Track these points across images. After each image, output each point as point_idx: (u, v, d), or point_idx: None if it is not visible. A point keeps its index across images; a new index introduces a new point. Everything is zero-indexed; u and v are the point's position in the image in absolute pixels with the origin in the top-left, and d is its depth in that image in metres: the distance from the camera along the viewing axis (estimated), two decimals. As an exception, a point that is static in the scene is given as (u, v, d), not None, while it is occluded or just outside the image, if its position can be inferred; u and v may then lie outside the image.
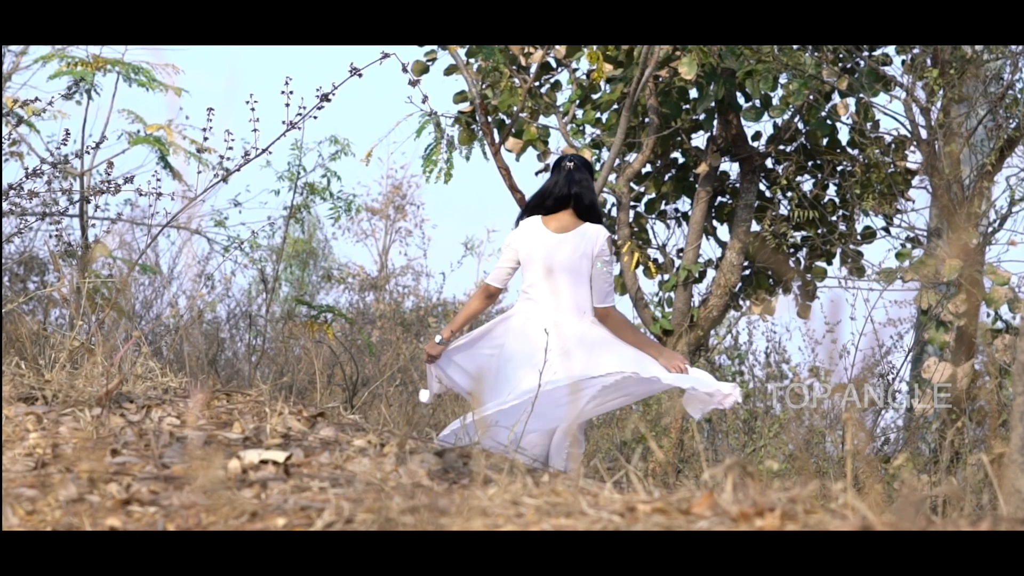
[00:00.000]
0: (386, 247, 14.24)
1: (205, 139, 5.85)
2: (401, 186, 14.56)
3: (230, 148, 5.51)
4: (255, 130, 5.37)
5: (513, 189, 9.73)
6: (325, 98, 5.29)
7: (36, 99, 6.72)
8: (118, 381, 4.13)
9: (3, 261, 9.67)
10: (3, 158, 9.09)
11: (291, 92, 5.18)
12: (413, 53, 10.18)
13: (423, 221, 14.45)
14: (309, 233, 13.95)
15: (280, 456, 3.76)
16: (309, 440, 4.11)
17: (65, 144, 6.02)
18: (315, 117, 5.35)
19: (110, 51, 9.57)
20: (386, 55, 5.19)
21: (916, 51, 9.83)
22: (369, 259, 14.24)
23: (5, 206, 8.19)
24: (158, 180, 5.81)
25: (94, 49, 9.62)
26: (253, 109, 5.36)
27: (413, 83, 5.60)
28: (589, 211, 6.75)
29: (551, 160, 10.15)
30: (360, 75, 5.18)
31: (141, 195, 6.18)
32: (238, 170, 5.53)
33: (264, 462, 3.74)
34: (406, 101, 9.75)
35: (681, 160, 10.61)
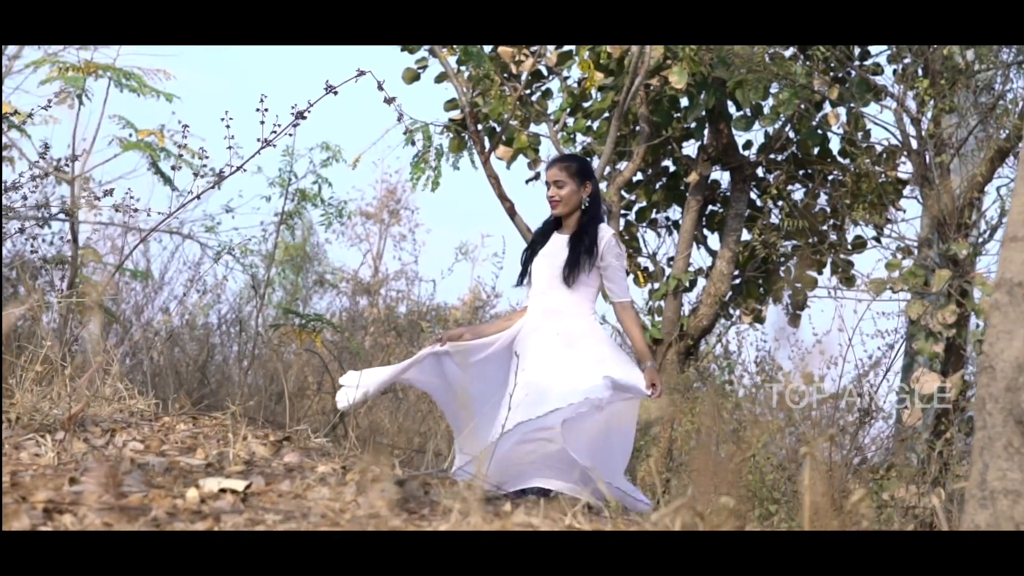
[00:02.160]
0: (380, 252, 14.24)
1: (179, 156, 5.81)
2: (395, 190, 14.56)
3: (204, 166, 5.49)
4: (230, 147, 5.36)
5: (502, 198, 9.70)
6: (300, 116, 5.28)
7: (15, 112, 6.69)
8: (81, 406, 4.11)
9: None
10: (1, 161, 9.07)
11: (266, 109, 5.16)
12: (405, 60, 10.24)
13: (417, 226, 14.45)
14: (303, 237, 13.93)
15: (239, 485, 3.74)
16: (272, 467, 4.09)
17: (43, 159, 5.97)
18: (291, 135, 5.34)
19: (101, 56, 9.55)
20: (361, 72, 5.17)
21: (907, 61, 9.80)
22: (363, 263, 14.22)
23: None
24: (132, 197, 5.78)
25: (85, 54, 9.60)
26: (228, 126, 5.34)
27: (388, 101, 5.58)
28: None
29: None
30: (336, 93, 5.17)
31: (116, 211, 6.16)
32: (212, 187, 5.50)
33: (223, 491, 3.71)
34: (395, 109, 9.77)
35: (672, 169, 10.58)
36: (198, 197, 5.62)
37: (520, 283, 6.67)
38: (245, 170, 5.46)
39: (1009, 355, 3.51)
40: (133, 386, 4.90)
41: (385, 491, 3.78)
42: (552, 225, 6.66)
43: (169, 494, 3.68)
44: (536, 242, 6.67)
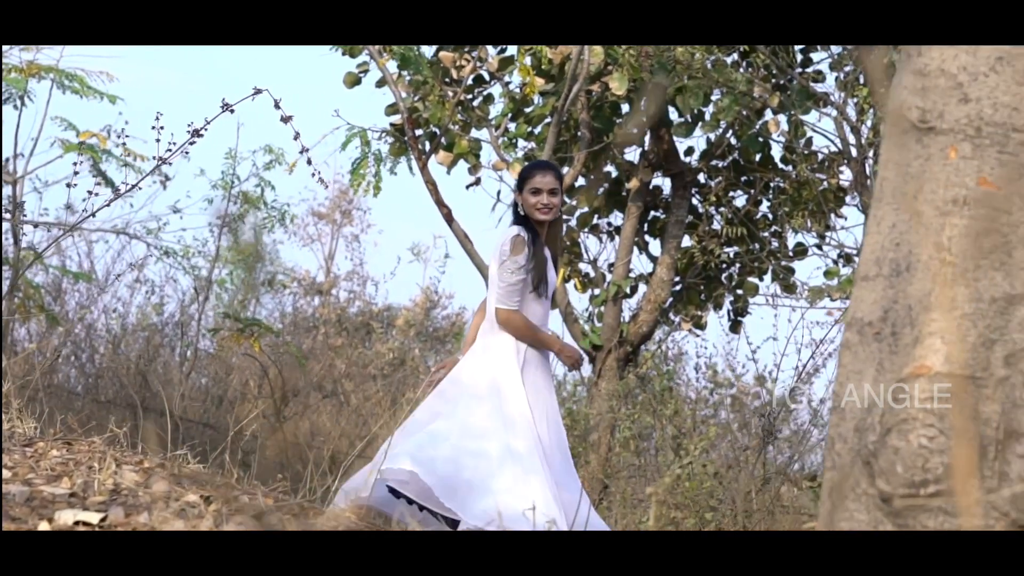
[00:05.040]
0: (332, 252, 14.20)
1: (94, 182, 5.76)
2: (348, 191, 14.51)
3: (98, 183, 5.46)
4: (126, 164, 5.34)
5: (440, 204, 9.66)
6: (196, 133, 5.24)
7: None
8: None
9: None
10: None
11: (162, 127, 5.14)
12: (346, 64, 10.18)
13: (369, 226, 14.40)
14: (256, 236, 13.87)
15: (94, 518, 3.70)
16: (138, 496, 4.05)
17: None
18: (186, 153, 5.30)
19: (45, 57, 9.50)
20: (258, 90, 5.14)
21: (848, 68, 9.78)
22: (315, 264, 14.18)
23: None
24: (24, 215, 5.73)
25: (27, 55, 9.56)
26: (124, 143, 5.31)
27: (285, 120, 5.53)
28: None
29: (493, 174, 10.13)
30: (232, 111, 5.13)
31: (12, 226, 6.12)
32: (107, 205, 5.47)
33: (78, 523, 3.68)
34: (333, 115, 9.73)
35: (614, 174, 10.55)
36: (93, 215, 5.58)
37: (543, 293, 6.25)
38: (140, 188, 5.43)
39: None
40: (22, 407, 4.85)
41: (242, 525, 3.75)
42: (534, 232, 6.28)
43: (23, 527, 3.64)
44: (541, 248, 6.28)
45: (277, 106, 5.32)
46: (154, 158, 5.35)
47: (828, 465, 3.52)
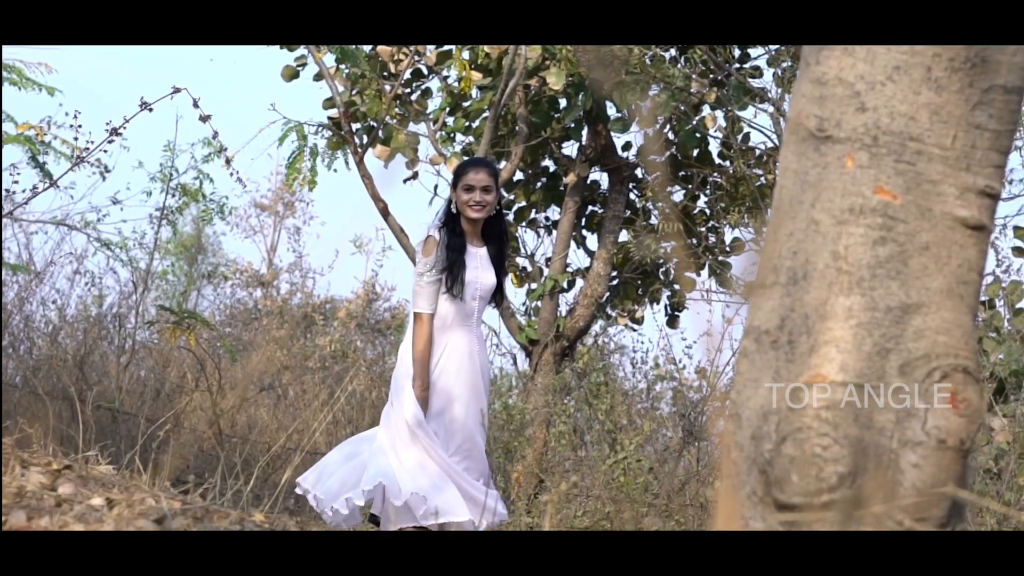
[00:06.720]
0: (274, 244, 14.16)
1: (18, 180, 5.74)
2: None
3: (15, 182, 5.45)
4: (44, 163, 5.31)
5: (376, 198, 9.64)
6: (115, 132, 5.22)
7: None
8: None
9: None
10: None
11: (80, 126, 5.12)
12: (284, 58, 10.15)
13: (312, 218, 14.35)
14: (198, 228, 13.83)
15: (-7, 522, 3.68)
16: (43, 499, 4.03)
17: None
18: (105, 151, 5.29)
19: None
20: (177, 89, 5.12)
21: (786, 64, 9.81)
22: (258, 256, 14.15)
23: None
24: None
25: (-36, 46, 9.47)
26: (44, 141, 5.29)
27: (204, 119, 5.51)
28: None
29: (430, 168, 10.11)
30: (151, 110, 5.12)
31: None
32: (26, 203, 5.44)
33: (-23, 528, 3.65)
34: (269, 108, 9.68)
35: (552, 169, 10.55)
36: (11, 216, 5.53)
37: (457, 294, 6.21)
38: (59, 186, 5.40)
39: (755, 403, 3.51)
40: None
41: (142, 528, 3.73)
42: (460, 230, 6.28)
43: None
44: (458, 248, 6.25)
45: (196, 105, 5.30)
46: (71, 155, 5.33)
47: (725, 473, 3.53)
